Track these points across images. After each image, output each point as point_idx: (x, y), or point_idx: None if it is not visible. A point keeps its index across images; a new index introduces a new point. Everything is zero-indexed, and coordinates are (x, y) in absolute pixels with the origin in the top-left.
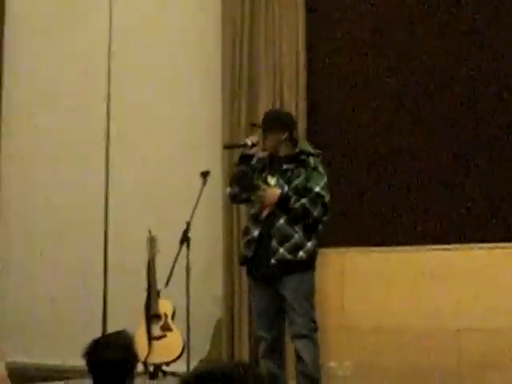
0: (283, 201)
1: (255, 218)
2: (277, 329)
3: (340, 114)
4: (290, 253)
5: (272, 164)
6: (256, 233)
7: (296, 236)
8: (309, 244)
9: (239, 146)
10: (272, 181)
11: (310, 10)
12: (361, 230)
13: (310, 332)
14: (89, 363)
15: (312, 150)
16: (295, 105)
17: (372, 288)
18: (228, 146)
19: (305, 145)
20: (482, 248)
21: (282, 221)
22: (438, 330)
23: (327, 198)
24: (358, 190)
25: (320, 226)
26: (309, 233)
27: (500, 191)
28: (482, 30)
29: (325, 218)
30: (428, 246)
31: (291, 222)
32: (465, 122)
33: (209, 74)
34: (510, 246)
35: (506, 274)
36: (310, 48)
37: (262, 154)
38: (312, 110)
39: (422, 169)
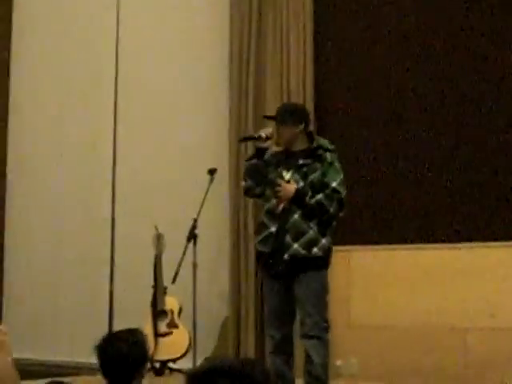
0: (299, 196)
1: (271, 213)
2: (286, 328)
3: (347, 111)
4: (304, 248)
5: (287, 159)
6: (273, 228)
7: (311, 232)
8: (323, 240)
9: (253, 139)
10: (287, 175)
11: (318, 7)
12: (368, 229)
13: (321, 332)
14: (100, 356)
15: (329, 146)
16: (303, 95)
17: (378, 286)
18: (244, 139)
19: (322, 140)
20: (488, 247)
21: (296, 216)
22: (444, 329)
23: (343, 194)
24: (365, 188)
25: (334, 223)
26: (323, 229)
27: (507, 190)
28: (489, 24)
29: (341, 214)
30: (435, 245)
31: (306, 217)
32: (474, 119)
33: (217, 71)
34: None
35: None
36: (317, 45)
37: (276, 148)
38: (320, 100)
39: (429, 167)
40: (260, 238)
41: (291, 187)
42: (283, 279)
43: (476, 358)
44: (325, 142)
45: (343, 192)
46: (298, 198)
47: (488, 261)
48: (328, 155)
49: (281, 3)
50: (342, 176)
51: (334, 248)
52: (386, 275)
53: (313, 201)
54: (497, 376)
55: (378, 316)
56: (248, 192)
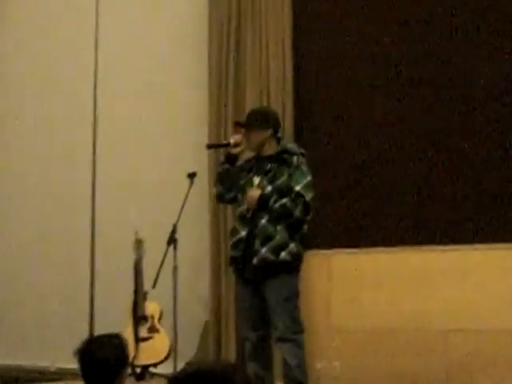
0: (263, 201)
1: (242, 218)
2: (262, 329)
3: (328, 113)
4: (272, 253)
5: (257, 163)
6: (244, 233)
7: (277, 237)
8: (292, 245)
9: (222, 146)
10: (256, 181)
11: (296, 9)
12: (348, 231)
13: (294, 334)
14: (80, 360)
15: (297, 149)
16: (282, 104)
17: (359, 290)
18: (211, 146)
19: (288, 144)
20: (472, 249)
21: (263, 221)
22: (427, 331)
23: (308, 198)
24: (345, 190)
25: (305, 227)
26: (292, 233)
27: (494, 191)
28: (481, 18)
29: (308, 218)
30: (417, 247)
31: (273, 221)
32: (463, 118)
33: (195, 74)
34: (500, 248)
35: (495, 275)
36: (296, 47)
37: (234, 151)
38: (299, 109)
39: (411, 169)
40: (231, 242)
41: (255, 193)
42: (254, 283)
43: (459, 360)
44: (292, 146)
45: (308, 195)
46: (262, 203)
47: (471, 262)
48: (295, 159)
49: (260, 7)
50: (308, 179)
51: (315, 252)
52: (367, 278)
53: (277, 205)
54: (480, 378)
55: (360, 319)
56: (220, 198)
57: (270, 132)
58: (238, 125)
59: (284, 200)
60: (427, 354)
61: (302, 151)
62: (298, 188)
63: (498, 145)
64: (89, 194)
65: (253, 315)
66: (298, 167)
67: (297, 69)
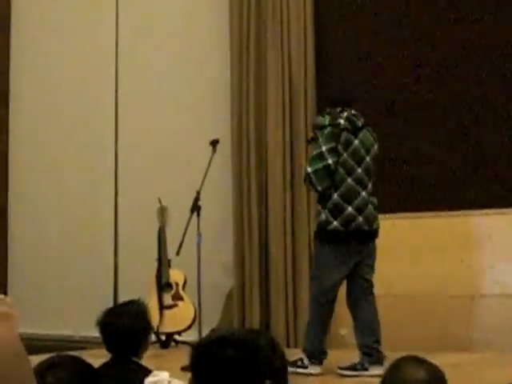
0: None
1: None
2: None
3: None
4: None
5: None
6: None
7: (318, 208)
8: (322, 215)
9: None
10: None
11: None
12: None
13: (310, 298)
14: (102, 332)
15: (323, 121)
16: (304, 71)
17: (380, 255)
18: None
19: (316, 118)
20: (491, 214)
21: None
22: (449, 297)
23: (309, 170)
24: None
25: (334, 195)
26: (322, 203)
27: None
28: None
29: (319, 188)
30: (440, 213)
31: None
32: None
33: (217, 44)
34: None
35: None
36: (318, 13)
37: None
38: (321, 74)
39: (426, 137)
40: None
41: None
42: None
43: (481, 325)
44: (316, 121)
45: (309, 168)
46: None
47: (491, 228)
48: (319, 132)
49: None
50: (318, 151)
51: None
52: (387, 244)
53: (306, 182)
54: (501, 343)
55: (381, 285)
56: None
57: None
58: None
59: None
60: (448, 319)
61: (333, 122)
62: (308, 162)
63: None
64: (112, 163)
65: None
66: (317, 140)
67: (318, 36)
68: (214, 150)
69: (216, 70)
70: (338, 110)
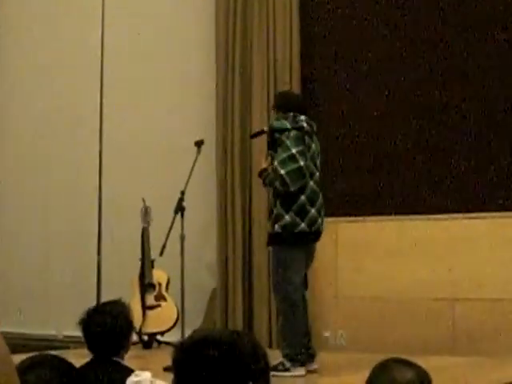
0: (260, 176)
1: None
2: None
3: (334, 85)
4: (271, 226)
5: None
6: None
7: (275, 210)
8: (286, 217)
9: (261, 133)
10: (269, 159)
11: None
12: (354, 200)
13: (278, 302)
14: (85, 331)
15: (286, 125)
16: (289, 70)
17: (366, 258)
18: (253, 135)
19: (274, 122)
20: (476, 218)
21: (270, 195)
22: (432, 300)
23: (282, 171)
24: (353, 161)
25: (302, 197)
26: (287, 206)
27: (493, 163)
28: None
29: (292, 189)
30: (423, 216)
31: (274, 196)
32: (462, 89)
33: (203, 44)
34: (506, 216)
35: (501, 245)
36: (304, 9)
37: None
38: (307, 73)
39: (415, 138)
40: None
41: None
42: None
43: (464, 329)
44: (278, 124)
45: (284, 169)
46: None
47: (476, 232)
48: (283, 135)
49: None
50: (288, 153)
51: None
52: (374, 247)
53: (266, 180)
54: (486, 346)
55: (366, 287)
56: None
57: (275, 111)
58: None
59: (271, 175)
60: (432, 323)
61: (296, 125)
62: (275, 163)
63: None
64: (96, 162)
65: None
66: (281, 143)
67: (304, 34)
68: (199, 151)
69: (201, 71)
70: (291, 114)
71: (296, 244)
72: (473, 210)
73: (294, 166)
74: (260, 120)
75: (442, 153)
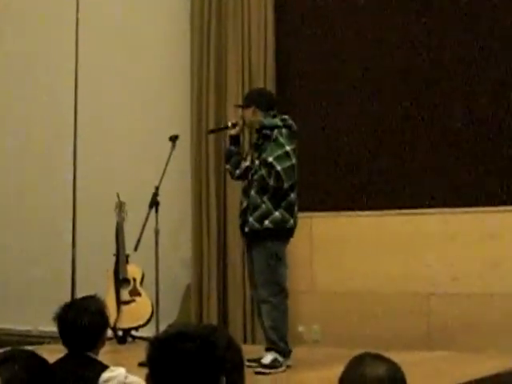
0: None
1: (243, 190)
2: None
3: (310, 84)
4: (257, 222)
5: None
6: (245, 204)
7: (263, 206)
8: (276, 213)
9: (222, 129)
10: (248, 157)
11: None
12: (329, 195)
13: (271, 296)
14: (60, 326)
15: (277, 122)
16: (264, 73)
17: (341, 252)
18: (212, 131)
19: (268, 119)
20: (452, 213)
21: (252, 192)
22: (408, 295)
23: (279, 168)
24: (328, 154)
25: (292, 195)
26: (276, 202)
27: (470, 156)
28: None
29: (285, 186)
30: (397, 211)
31: (260, 192)
32: (442, 88)
33: (177, 39)
34: (481, 211)
35: (477, 239)
36: (278, 12)
37: (233, 132)
38: (281, 76)
39: (390, 132)
40: (239, 212)
41: (243, 165)
42: (249, 249)
43: (439, 324)
44: (269, 121)
45: (279, 165)
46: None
47: (451, 227)
48: (274, 132)
49: None
50: (283, 150)
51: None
52: (349, 241)
53: (256, 176)
54: (461, 340)
55: (341, 282)
56: (231, 175)
57: (252, 108)
58: (235, 106)
59: (262, 171)
60: (407, 317)
61: (286, 123)
62: (270, 159)
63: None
64: (71, 158)
65: (251, 278)
66: (275, 140)
67: (279, 34)
68: (174, 146)
69: (176, 66)
70: (272, 113)
71: (287, 239)
72: (448, 206)
73: (288, 163)
74: (235, 115)
75: (417, 148)
